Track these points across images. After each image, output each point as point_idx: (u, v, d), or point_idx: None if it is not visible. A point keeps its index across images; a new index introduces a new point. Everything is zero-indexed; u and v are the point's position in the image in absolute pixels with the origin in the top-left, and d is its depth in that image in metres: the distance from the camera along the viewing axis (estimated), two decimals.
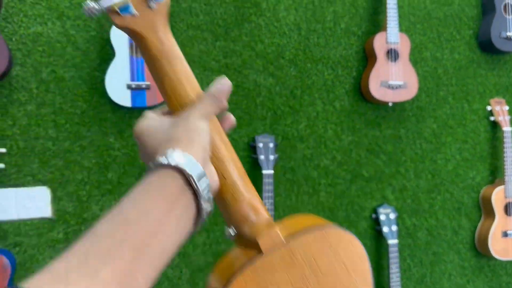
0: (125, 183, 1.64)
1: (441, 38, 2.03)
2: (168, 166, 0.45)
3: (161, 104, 1.63)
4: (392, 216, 1.93)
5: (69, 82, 1.59)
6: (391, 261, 1.88)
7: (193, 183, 0.45)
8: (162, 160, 0.46)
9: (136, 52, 1.57)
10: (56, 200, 1.58)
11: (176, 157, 0.45)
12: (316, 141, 1.87)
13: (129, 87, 1.55)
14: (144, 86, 1.56)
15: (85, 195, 1.61)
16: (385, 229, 1.91)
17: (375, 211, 1.95)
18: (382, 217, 1.92)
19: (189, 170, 0.45)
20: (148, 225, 0.41)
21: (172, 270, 1.69)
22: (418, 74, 1.97)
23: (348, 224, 1.91)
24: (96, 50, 1.62)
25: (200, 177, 0.46)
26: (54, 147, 1.58)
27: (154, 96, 1.58)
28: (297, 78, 1.84)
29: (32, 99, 1.56)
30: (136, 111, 1.65)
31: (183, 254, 1.70)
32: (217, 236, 1.74)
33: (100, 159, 1.62)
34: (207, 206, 0.47)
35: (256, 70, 1.79)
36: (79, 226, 1.60)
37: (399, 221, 1.98)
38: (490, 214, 2.05)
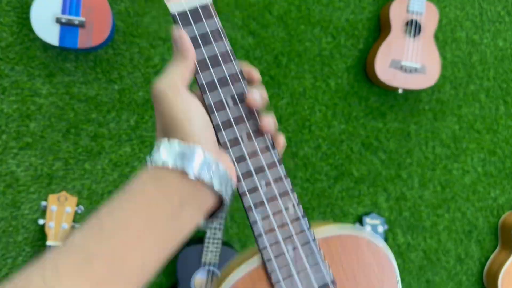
0: (49, 138, 1.33)
1: (484, 17, 1.54)
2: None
3: (95, 48, 1.28)
4: (381, 229, 1.53)
5: None
6: None
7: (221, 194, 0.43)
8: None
9: None
10: None
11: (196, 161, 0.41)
12: (298, 123, 1.48)
13: (58, 20, 1.22)
14: (77, 22, 1.22)
15: (0, 145, 1.31)
16: None
17: (360, 219, 1.55)
18: (367, 228, 1.52)
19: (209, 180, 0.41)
20: (126, 239, 0.37)
21: None
22: (444, 58, 1.51)
23: None
24: None
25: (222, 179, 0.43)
26: None
27: (88, 36, 1.23)
28: (284, 42, 1.44)
29: None
30: (71, 53, 1.32)
31: None
32: None
33: (23, 106, 1.31)
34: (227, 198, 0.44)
35: (234, 24, 1.40)
36: None
37: (389, 236, 1.58)
38: (509, 246, 1.60)
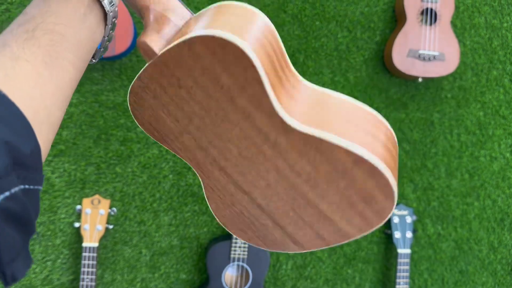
0: (81, 144, 1.36)
1: (503, 1, 1.49)
2: None
3: (119, 56, 1.31)
4: (409, 220, 1.48)
5: None
6: (399, 274, 1.44)
7: None
8: None
9: None
10: None
11: None
12: None
13: None
14: None
15: None
16: (396, 235, 1.46)
17: None
18: (395, 220, 1.48)
19: None
20: (58, 18, 0.36)
21: (130, 249, 1.41)
22: (464, 44, 1.46)
23: None
24: None
25: None
26: None
27: (112, 45, 1.26)
28: (300, 39, 1.42)
29: None
30: (100, 63, 1.35)
31: (144, 233, 1.41)
32: (186, 217, 1.42)
33: None
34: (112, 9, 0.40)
35: None
36: None
37: (419, 227, 1.53)
38: None
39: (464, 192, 1.54)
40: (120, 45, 1.27)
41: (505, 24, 1.50)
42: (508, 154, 1.54)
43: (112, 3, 0.40)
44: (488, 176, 1.54)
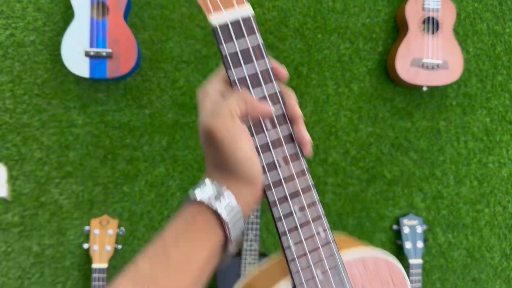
0: (88, 165, 1.35)
1: (504, 6, 1.47)
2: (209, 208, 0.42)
3: (124, 76, 1.30)
4: (419, 229, 1.45)
5: (29, 48, 1.32)
6: (411, 285, 1.41)
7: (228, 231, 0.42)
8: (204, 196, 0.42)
9: (98, 14, 1.26)
10: (12, 179, 1.33)
11: (223, 201, 0.42)
12: (325, 130, 1.44)
13: (87, 54, 1.24)
14: (104, 54, 1.24)
15: (43, 176, 1.34)
16: (407, 245, 1.43)
17: (397, 221, 1.48)
18: (406, 230, 1.45)
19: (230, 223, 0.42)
20: (190, 273, 0.39)
21: None
22: (467, 51, 1.44)
23: (360, 234, 1.47)
24: (60, 12, 1.33)
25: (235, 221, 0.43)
26: (11, 120, 1.33)
27: (116, 66, 1.25)
28: (303, 52, 1.41)
29: None
30: (102, 84, 1.34)
31: None
32: None
33: (61, 137, 1.34)
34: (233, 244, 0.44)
35: None
36: (36, 210, 1.35)
37: (429, 236, 1.50)
38: None
39: (473, 199, 1.51)
40: (124, 65, 1.26)
41: (507, 30, 1.48)
42: None
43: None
44: (497, 182, 1.51)
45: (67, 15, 1.33)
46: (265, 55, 0.43)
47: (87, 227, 1.34)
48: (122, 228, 1.34)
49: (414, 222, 1.47)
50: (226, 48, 0.42)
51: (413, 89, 1.46)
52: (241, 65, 0.43)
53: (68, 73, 1.33)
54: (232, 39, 0.43)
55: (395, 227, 1.47)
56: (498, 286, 1.54)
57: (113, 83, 1.35)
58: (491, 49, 1.48)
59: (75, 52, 1.25)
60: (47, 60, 1.33)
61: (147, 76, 1.36)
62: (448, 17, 1.37)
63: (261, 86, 0.44)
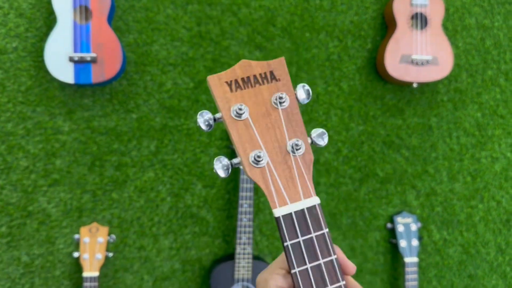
0: (75, 172, 1.32)
1: (492, 0, 1.45)
2: None
3: (109, 81, 1.27)
4: (414, 227, 1.43)
5: (11, 55, 1.29)
6: (407, 284, 1.39)
7: None
8: None
9: (81, 18, 1.22)
10: None
11: None
12: None
13: (71, 59, 1.21)
14: (89, 58, 1.21)
15: (30, 184, 1.31)
16: (402, 243, 1.41)
17: (391, 220, 1.46)
18: (400, 228, 1.43)
19: None
20: None
21: (132, 276, 1.35)
22: (456, 46, 1.42)
23: (354, 233, 1.44)
24: (43, 17, 1.30)
25: None
26: None
27: (101, 71, 1.22)
28: (291, 52, 1.39)
29: None
30: (87, 89, 1.31)
31: (144, 258, 1.36)
32: (186, 240, 1.37)
33: (47, 144, 1.31)
34: None
35: (239, 40, 1.37)
36: (23, 219, 1.31)
37: (424, 234, 1.48)
38: None
39: (467, 195, 1.50)
40: (109, 70, 1.23)
41: (496, 24, 1.46)
42: (509, 154, 1.50)
43: None
44: (490, 177, 1.50)
45: (50, 20, 1.29)
46: (330, 247, 0.41)
47: (76, 236, 1.30)
48: (113, 236, 1.31)
49: (408, 220, 1.45)
50: (287, 238, 0.41)
51: (403, 86, 1.44)
52: (304, 257, 0.42)
53: (53, 79, 1.30)
54: (295, 229, 0.42)
55: (389, 225, 1.45)
56: (495, 281, 1.52)
57: (99, 88, 1.32)
58: (481, 43, 1.46)
59: (59, 58, 1.22)
60: (31, 67, 1.30)
61: (133, 79, 1.33)
62: (436, 13, 1.35)
63: (325, 280, 0.42)
